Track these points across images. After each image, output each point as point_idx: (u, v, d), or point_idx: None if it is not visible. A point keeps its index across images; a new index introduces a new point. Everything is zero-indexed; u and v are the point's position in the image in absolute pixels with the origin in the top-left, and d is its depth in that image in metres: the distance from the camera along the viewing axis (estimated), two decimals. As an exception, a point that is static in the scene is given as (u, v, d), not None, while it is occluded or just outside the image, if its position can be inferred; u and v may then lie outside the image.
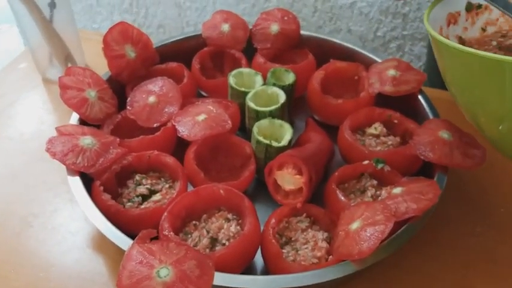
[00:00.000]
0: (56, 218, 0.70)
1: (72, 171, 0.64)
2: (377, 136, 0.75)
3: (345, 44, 0.92)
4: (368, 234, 0.54)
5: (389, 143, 0.74)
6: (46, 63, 0.94)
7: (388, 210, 0.55)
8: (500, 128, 0.55)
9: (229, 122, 0.71)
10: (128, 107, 0.76)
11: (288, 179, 0.64)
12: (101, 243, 0.66)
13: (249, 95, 0.76)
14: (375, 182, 0.67)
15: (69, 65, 0.92)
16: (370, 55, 0.88)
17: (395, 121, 0.76)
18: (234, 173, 0.73)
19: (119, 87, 0.81)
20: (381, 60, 0.85)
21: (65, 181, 0.74)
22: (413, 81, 0.78)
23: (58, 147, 0.64)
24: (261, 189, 0.72)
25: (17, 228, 0.68)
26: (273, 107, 0.73)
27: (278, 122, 0.72)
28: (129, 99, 0.77)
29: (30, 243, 0.67)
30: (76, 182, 0.63)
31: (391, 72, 0.79)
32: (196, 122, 0.71)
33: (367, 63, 0.85)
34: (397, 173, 0.67)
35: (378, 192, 0.66)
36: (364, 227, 0.55)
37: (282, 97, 0.76)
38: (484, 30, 0.59)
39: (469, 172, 0.76)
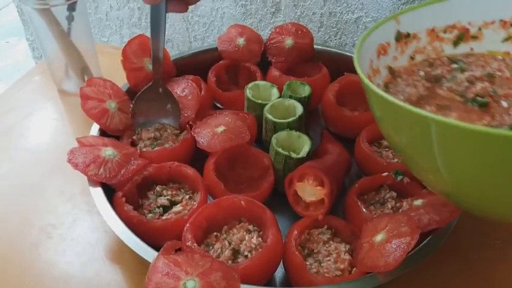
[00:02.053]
0: (75, 229, 0.70)
1: (94, 182, 0.64)
2: (393, 148, 0.76)
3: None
4: (394, 247, 0.54)
5: (407, 155, 0.74)
6: (62, 75, 0.95)
7: (413, 222, 0.56)
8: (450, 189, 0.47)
9: (248, 133, 0.72)
10: None
11: (309, 190, 0.64)
12: (121, 255, 0.66)
13: (267, 107, 0.77)
14: (394, 194, 0.68)
15: (86, 77, 0.93)
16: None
17: (412, 134, 0.76)
18: (252, 184, 0.73)
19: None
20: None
21: (83, 192, 0.75)
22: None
23: (79, 158, 0.64)
24: (278, 201, 0.72)
25: (36, 239, 0.68)
26: (291, 119, 0.74)
27: (296, 133, 0.73)
28: None
29: (49, 254, 0.66)
30: (98, 193, 0.63)
31: (407, 85, 0.80)
32: (215, 133, 0.71)
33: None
34: (417, 184, 0.67)
35: (398, 204, 0.66)
36: (389, 239, 0.55)
37: (299, 109, 0.76)
38: (412, 58, 0.59)
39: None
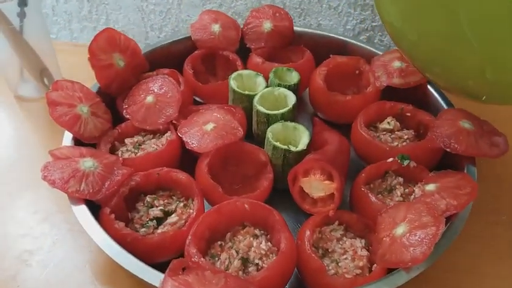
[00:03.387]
0: (56, 253, 0.62)
1: (75, 200, 0.57)
2: (391, 131, 0.72)
3: (340, 37, 0.89)
4: (419, 239, 0.50)
5: (405, 137, 0.71)
6: (17, 80, 0.85)
7: (434, 210, 0.52)
8: (488, 76, 0.54)
9: (240, 129, 0.66)
10: (124, 105, 0.71)
11: (317, 185, 0.59)
12: (114, 277, 0.59)
13: (256, 98, 0.71)
14: (401, 180, 0.64)
15: (46, 80, 0.83)
16: (367, 47, 0.85)
17: (408, 114, 0.73)
18: (248, 183, 0.68)
19: (109, 100, 0.74)
20: (376, 51, 0.83)
21: (61, 209, 0.67)
22: (421, 71, 0.75)
23: (56, 173, 0.56)
24: (277, 199, 0.66)
25: (12, 270, 0.60)
26: (284, 110, 0.69)
27: (291, 124, 0.68)
28: (126, 99, 0.72)
29: (29, 285, 0.59)
30: (82, 212, 0.56)
31: (397, 63, 0.77)
32: (205, 132, 0.65)
33: (363, 56, 0.82)
34: (424, 168, 0.64)
35: (407, 190, 0.63)
36: (412, 231, 0.51)
37: (291, 98, 0.71)
38: None
39: (485, 160, 0.75)
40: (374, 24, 1.83)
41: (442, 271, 0.60)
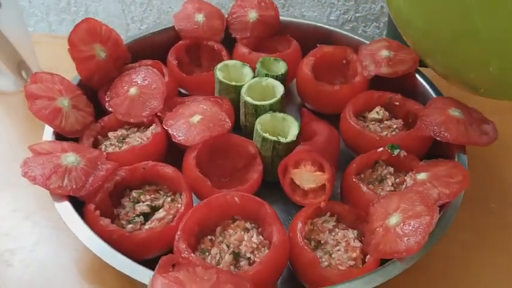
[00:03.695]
0: (39, 252, 0.60)
1: (58, 196, 0.54)
2: (380, 121, 0.71)
3: (326, 26, 0.88)
4: (412, 228, 0.49)
5: (394, 126, 0.70)
6: (-7, 73, 0.81)
7: (427, 199, 0.52)
8: (491, 71, 0.53)
9: (228, 120, 0.64)
10: (107, 98, 0.69)
11: (308, 177, 0.58)
12: (101, 274, 0.57)
13: (244, 89, 0.69)
14: (391, 169, 0.63)
15: (23, 73, 0.80)
16: (354, 36, 0.84)
17: (397, 103, 0.72)
18: (237, 176, 0.66)
19: (90, 93, 0.71)
20: (362, 40, 0.81)
21: (42, 206, 0.64)
22: (409, 60, 0.75)
23: (37, 169, 0.54)
24: (265, 191, 0.65)
25: (-6, 271, 0.58)
26: (273, 100, 0.67)
27: (280, 115, 0.66)
28: (108, 92, 0.69)
29: (12, 286, 0.56)
30: (66, 208, 0.54)
31: (385, 52, 0.76)
32: (191, 124, 0.63)
33: (350, 45, 0.81)
34: (414, 157, 0.63)
35: (398, 180, 0.62)
36: (406, 221, 0.51)
37: (279, 88, 0.70)
38: None
39: (472, 148, 0.75)
40: (357, 15, 1.83)
41: (433, 260, 0.60)
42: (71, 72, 0.70)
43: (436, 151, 0.67)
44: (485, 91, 0.59)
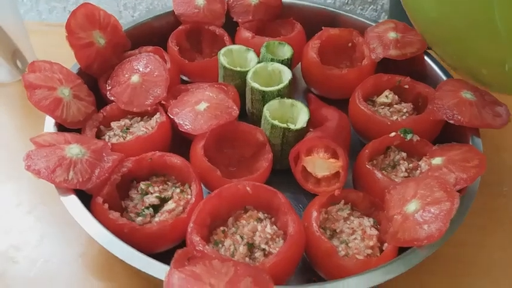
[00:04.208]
0: (44, 248, 0.58)
1: (64, 190, 0.52)
2: (389, 105, 0.70)
3: (330, 8, 0.85)
4: (432, 215, 0.48)
5: (405, 110, 0.68)
6: (-13, 63, 0.78)
7: (446, 184, 0.50)
8: (507, 70, 0.51)
9: (235, 107, 0.62)
10: (108, 87, 0.66)
11: (321, 164, 0.56)
12: (110, 269, 0.56)
13: (250, 75, 0.67)
14: (404, 155, 0.62)
15: (18, 62, 0.77)
16: (358, 18, 0.82)
17: (406, 86, 0.71)
18: (245, 165, 0.65)
19: (90, 82, 0.68)
20: (367, 22, 0.80)
21: (46, 200, 0.62)
22: (417, 42, 0.73)
23: (41, 163, 0.51)
24: (274, 179, 0.63)
25: (-1, 268, 0.56)
26: (281, 86, 0.65)
27: (289, 101, 0.64)
28: (109, 80, 0.67)
29: (19, 283, 0.54)
30: (73, 202, 0.52)
31: (392, 34, 0.74)
32: (198, 112, 0.61)
33: (354, 27, 0.79)
34: (427, 141, 0.62)
35: (411, 165, 0.61)
36: (425, 207, 0.49)
37: (286, 73, 0.67)
38: None
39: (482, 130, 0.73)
40: (355, -3, 1.79)
41: (449, 246, 0.59)
42: (67, 62, 0.67)
43: (447, 134, 0.65)
44: (496, 87, 0.57)
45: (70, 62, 0.67)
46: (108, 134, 0.63)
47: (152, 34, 0.79)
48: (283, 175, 0.64)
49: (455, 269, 0.58)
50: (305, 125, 0.62)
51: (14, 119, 0.75)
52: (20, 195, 0.63)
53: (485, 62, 0.52)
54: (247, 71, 0.68)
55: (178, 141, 0.65)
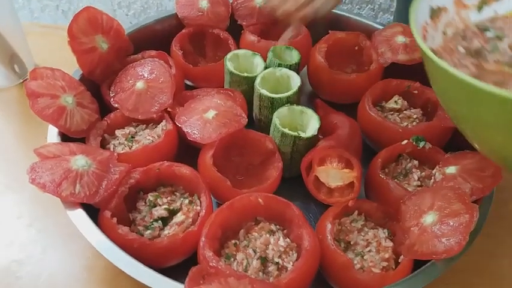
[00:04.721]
0: (48, 262, 0.56)
1: (70, 204, 0.50)
2: (398, 110, 0.69)
3: (335, 11, 0.83)
4: (451, 228, 0.47)
5: (415, 116, 0.68)
6: (-17, 68, 0.75)
7: (464, 196, 0.49)
8: None
9: (244, 115, 0.61)
10: (112, 93, 0.64)
11: (334, 174, 0.55)
12: (115, 283, 0.54)
13: (258, 81, 0.65)
14: (416, 163, 0.61)
15: (16, 67, 0.74)
16: (364, 20, 0.81)
17: (415, 92, 0.70)
18: (254, 174, 0.63)
19: (93, 88, 0.66)
20: (374, 24, 0.79)
21: (48, 212, 0.60)
22: (426, 46, 0.72)
23: (46, 176, 0.50)
24: (282, 187, 0.62)
25: (1, 285, 0.54)
26: (290, 92, 0.64)
27: (298, 108, 0.63)
28: (112, 86, 0.65)
29: (23, 300, 0.53)
30: (80, 217, 0.50)
31: (401, 38, 0.73)
32: (206, 120, 0.59)
33: (359, 30, 0.77)
34: (439, 149, 0.61)
35: (424, 174, 0.60)
36: (443, 220, 0.48)
37: (295, 79, 0.66)
38: (445, 34, 0.52)
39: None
40: (353, -4, 1.77)
41: (464, 255, 0.58)
42: (66, 65, 0.65)
43: (458, 141, 0.64)
44: None
45: (69, 65, 0.65)
46: (113, 142, 0.61)
47: (155, 37, 0.77)
48: (291, 183, 0.62)
49: (468, 278, 0.57)
50: (316, 133, 0.60)
51: (12, 126, 0.73)
52: (21, 207, 0.61)
53: None
54: (255, 77, 0.66)
55: (184, 148, 0.64)
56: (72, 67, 0.65)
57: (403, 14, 0.89)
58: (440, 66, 0.39)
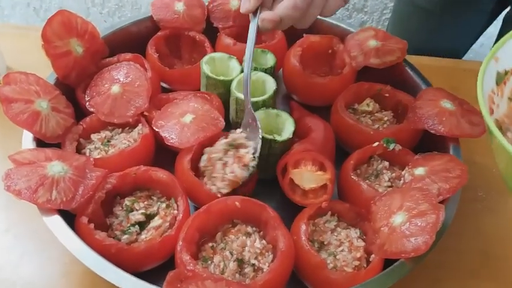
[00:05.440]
0: (25, 268, 0.56)
1: (47, 210, 0.50)
2: (370, 113, 0.71)
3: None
4: (419, 228, 0.49)
5: (385, 118, 0.70)
6: (-47, 70, 0.74)
7: (431, 196, 0.52)
8: None
9: (221, 119, 0.62)
10: (87, 97, 0.64)
11: (308, 176, 0.57)
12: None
13: (234, 85, 0.66)
14: (386, 164, 0.63)
15: (-12, 69, 0.73)
16: (337, 23, 0.82)
17: (386, 94, 0.72)
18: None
19: (67, 92, 0.66)
20: (346, 27, 0.80)
21: (24, 218, 0.60)
22: (397, 50, 0.74)
23: (21, 182, 0.49)
24: (258, 188, 0.63)
25: (-24, 291, 0.53)
26: (266, 96, 0.65)
27: (274, 111, 0.65)
28: (88, 90, 0.65)
29: (-1, 307, 0.52)
30: (56, 223, 0.50)
31: (372, 42, 0.75)
32: (184, 124, 0.60)
33: (332, 33, 0.79)
34: (408, 151, 0.63)
35: (394, 175, 0.62)
36: (411, 220, 0.50)
37: (271, 83, 0.67)
38: (510, 99, 0.52)
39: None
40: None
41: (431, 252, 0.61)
42: (39, 69, 0.64)
43: (427, 142, 0.67)
44: None
45: (43, 68, 0.64)
46: (88, 147, 0.61)
47: (130, 40, 0.77)
48: (267, 184, 0.64)
49: (434, 273, 0.60)
50: (291, 136, 0.62)
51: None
52: (-6, 213, 0.61)
53: None
54: (231, 80, 0.67)
55: (161, 152, 0.64)
56: (45, 69, 0.65)
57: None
58: (505, 148, 0.39)
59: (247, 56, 0.61)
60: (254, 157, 0.57)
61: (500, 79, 0.50)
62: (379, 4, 1.74)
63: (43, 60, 0.63)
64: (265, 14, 0.58)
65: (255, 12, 0.60)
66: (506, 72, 0.50)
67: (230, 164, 0.57)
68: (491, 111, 0.49)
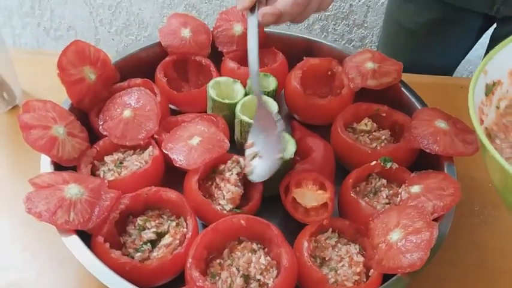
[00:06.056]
0: (43, 285, 0.59)
1: (65, 231, 0.54)
2: (368, 132, 0.74)
3: (305, 36, 0.89)
4: (414, 245, 0.52)
5: (383, 137, 0.73)
6: (-28, 95, 0.78)
7: (425, 214, 0.55)
8: None
9: (226, 140, 0.65)
10: (100, 121, 0.68)
11: (310, 195, 0.60)
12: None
13: (239, 108, 0.70)
14: (384, 181, 0.66)
15: (5, 94, 0.77)
16: (335, 46, 0.86)
17: (384, 114, 0.75)
18: (236, 195, 0.67)
19: (81, 116, 0.70)
20: (342, 50, 0.84)
21: (41, 237, 0.64)
22: (393, 71, 0.78)
23: (41, 205, 0.53)
24: (262, 205, 0.66)
25: (-2, 307, 0.57)
26: (268, 118, 0.68)
27: (276, 133, 0.68)
28: (101, 115, 0.69)
29: (19, 322, 0.56)
30: (75, 243, 0.53)
31: (370, 65, 0.78)
32: (191, 147, 0.64)
33: (330, 55, 0.83)
34: (405, 169, 0.66)
35: (391, 192, 0.65)
36: (407, 237, 0.54)
37: (273, 105, 0.71)
38: (498, 108, 0.55)
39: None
40: (327, 13, 1.85)
41: (431, 266, 0.63)
42: (53, 91, 0.68)
43: (423, 161, 0.70)
44: None
45: (57, 91, 0.68)
46: (102, 169, 0.65)
47: (140, 65, 0.81)
48: (271, 202, 0.67)
49: (430, 287, 0.62)
50: (293, 156, 0.65)
51: (2, 152, 0.75)
52: (14, 232, 0.64)
53: None
54: (235, 103, 0.71)
55: (171, 170, 0.67)
56: (59, 92, 0.68)
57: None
58: (498, 161, 0.41)
59: (252, 47, 0.63)
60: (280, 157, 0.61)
61: (489, 90, 0.53)
62: (378, 20, 1.78)
63: (56, 83, 0.67)
64: (266, 9, 0.60)
65: (252, 10, 0.62)
66: (494, 84, 0.53)
67: (223, 186, 0.62)
68: (482, 122, 0.52)
